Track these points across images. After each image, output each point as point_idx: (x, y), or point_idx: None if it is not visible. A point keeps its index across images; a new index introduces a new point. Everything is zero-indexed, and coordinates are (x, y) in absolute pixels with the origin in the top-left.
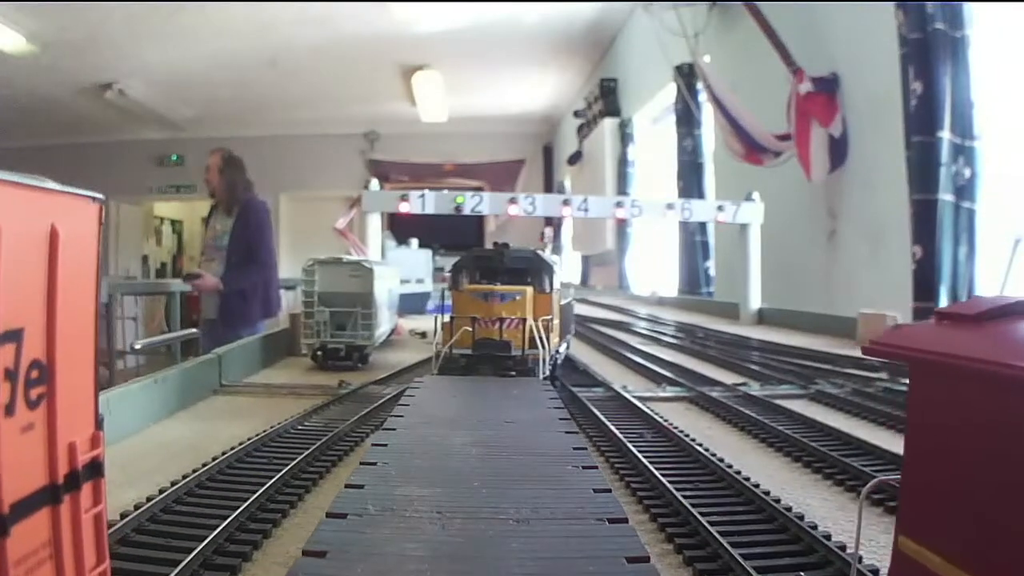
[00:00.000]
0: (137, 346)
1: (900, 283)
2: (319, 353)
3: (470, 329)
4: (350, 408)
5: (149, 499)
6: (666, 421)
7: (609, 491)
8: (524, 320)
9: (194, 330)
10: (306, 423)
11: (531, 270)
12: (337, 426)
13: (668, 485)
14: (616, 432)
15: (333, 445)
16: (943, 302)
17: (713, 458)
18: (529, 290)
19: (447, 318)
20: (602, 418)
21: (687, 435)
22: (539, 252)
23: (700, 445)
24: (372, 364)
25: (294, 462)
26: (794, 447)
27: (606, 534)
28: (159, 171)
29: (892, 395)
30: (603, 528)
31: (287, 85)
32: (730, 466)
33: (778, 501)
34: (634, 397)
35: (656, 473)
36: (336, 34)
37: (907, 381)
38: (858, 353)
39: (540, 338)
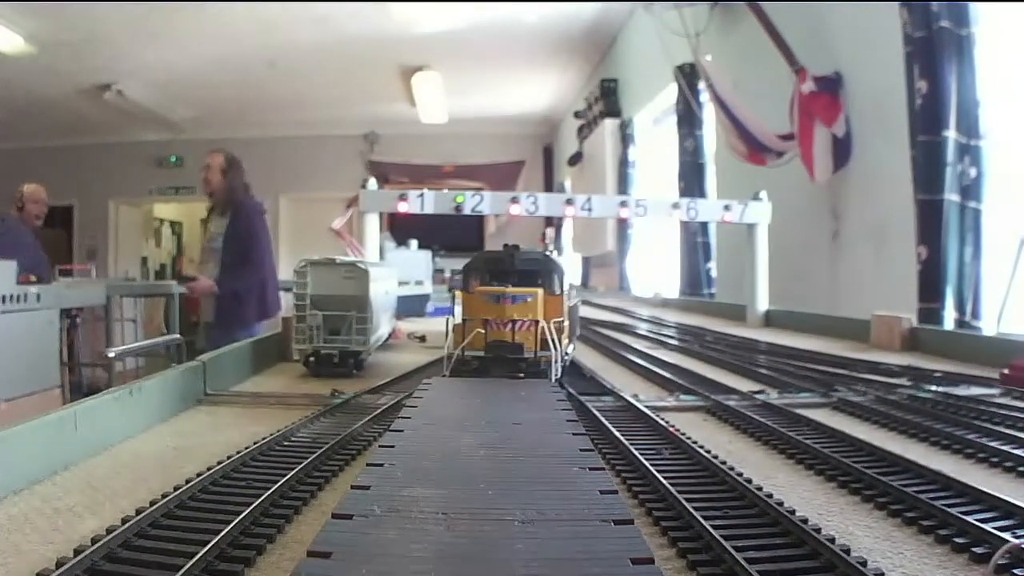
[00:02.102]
0: (111, 354)
1: (905, 284)
2: (311, 359)
3: (483, 331)
4: (342, 421)
5: (109, 531)
6: (684, 435)
7: (615, 492)
8: (536, 322)
9: (177, 335)
10: (292, 439)
11: (541, 272)
12: (326, 442)
13: (695, 513)
14: (631, 449)
15: (320, 466)
16: (948, 303)
17: (740, 479)
18: (540, 292)
19: (458, 320)
20: (615, 432)
21: (708, 451)
22: (549, 254)
23: (724, 463)
24: (368, 371)
25: (275, 487)
26: (826, 464)
27: (611, 535)
28: (158, 172)
29: (918, 403)
30: (608, 529)
31: (287, 86)
32: (760, 488)
33: (819, 531)
34: (646, 407)
35: (680, 499)
36: (335, 35)
37: (931, 388)
38: (874, 356)
39: (552, 340)
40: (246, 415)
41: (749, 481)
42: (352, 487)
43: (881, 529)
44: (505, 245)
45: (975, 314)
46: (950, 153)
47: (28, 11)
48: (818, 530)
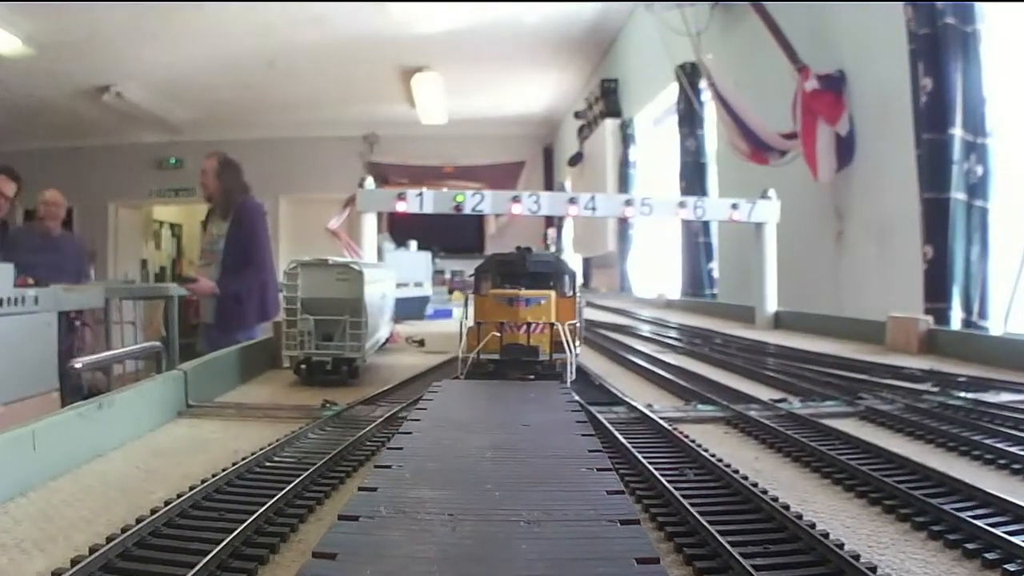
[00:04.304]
0: (78, 365)
1: (910, 284)
2: (303, 367)
3: (498, 334)
4: (332, 436)
5: (55, 575)
6: (706, 451)
7: (622, 493)
8: (552, 325)
9: (157, 343)
10: (275, 458)
11: (553, 274)
12: (313, 463)
13: (732, 551)
14: (651, 470)
15: (303, 493)
16: (955, 303)
17: (776, 504)
18: (553, 294)
19: (471, 323)
20: (631, 449)
21: (735, 470)
22: (560, 256)
23: (755, 485)
24: (363, 378)
25: (250, 519)
26: (867, 485)
27: (617, 535)
28: (158, 174)
29: (951, 412)
30: (614, 530)
31: (286, 87)
32: (799, 516)
33: (874, 570)
34: (662, 418)
35: (713, 531)
36: (334, 36)
37: (961, 395)
38: (893, 360)
39: (567, 342)
40: (229, 429)
41: (786, 507)
42: (359, 489)
43: (941, 564)
44: (517, 247)
45: (982, 314)
46: (956, 151)
47: (26, 12)
48: (873, 569)
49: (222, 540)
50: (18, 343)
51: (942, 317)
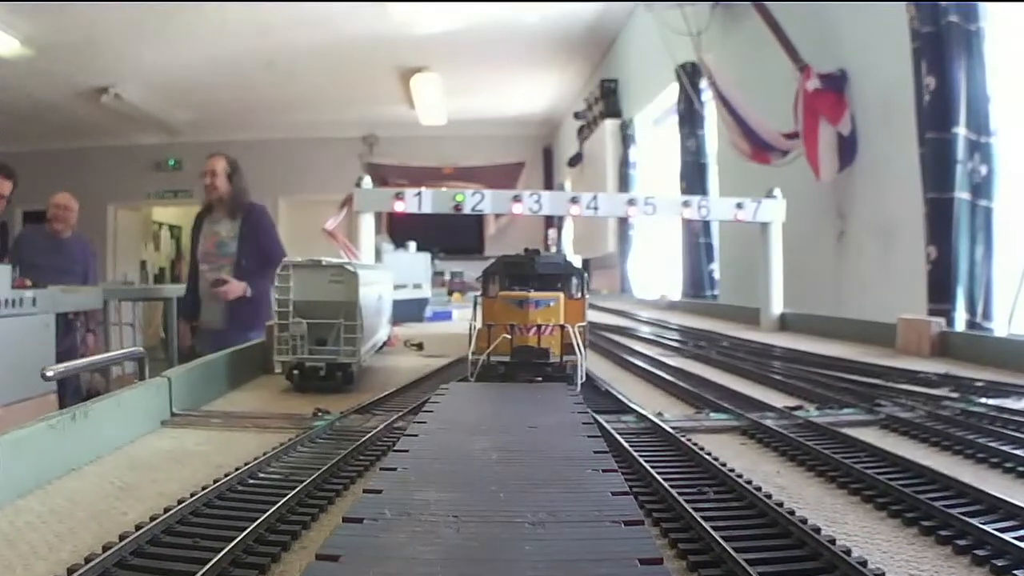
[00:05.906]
0: (49, 374)
1: (914, 285)
2: (295, 372)
3: (509, 336)
4: (323, 449)
5: None
6: (724, 466)
7: (627, 494)
8: (562, 327)
9: (139, 348)
10: (260, 475)
11: (561, 276)
12: (301, 480)
13: None
14: (668, 488)
15: (287, 516)
16: (959, 304)
17: (806, 527)
18: (562, 296)
19: (479, 324)
20: (644, 464)
21: (757, 488)
22: (568, 259)
23: (780, 505)
24: (358, 384)
25: (229, 546)
26: (900, 503)
27: (621, 536)
28: (157, 176)
29: (974, 419)
30: (618, 530)
31: (285, 88)
32: (832, 540)
33: None
34: (674, 428)
35: (741, 561)
36: (334, 36)
37: (982, 400)
38: (905, 363)
39: (577, 344)
40: (214, 440)
41: (817, 530)
42: (364, 491)
43: None
44: (526, 249)
45: (986, 315)
46: (960, 150)
47: (25, 12)
48: None
49: (195, 573)
50: (16, 345)
51: (946, 318)
